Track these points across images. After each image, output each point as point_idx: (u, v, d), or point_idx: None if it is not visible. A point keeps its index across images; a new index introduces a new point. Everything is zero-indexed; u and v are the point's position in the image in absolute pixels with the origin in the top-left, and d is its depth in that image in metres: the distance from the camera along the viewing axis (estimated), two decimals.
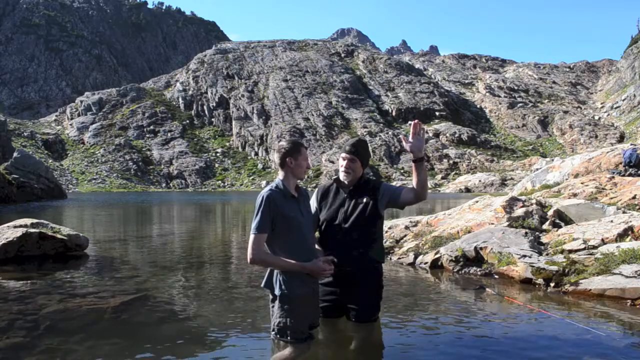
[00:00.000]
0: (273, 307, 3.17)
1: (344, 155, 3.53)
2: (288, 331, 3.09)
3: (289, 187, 3.17)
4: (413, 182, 3.45)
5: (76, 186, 73.44)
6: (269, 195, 3.08)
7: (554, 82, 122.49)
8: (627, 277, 4.71)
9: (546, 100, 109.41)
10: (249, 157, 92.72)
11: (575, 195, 9.72)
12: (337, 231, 3.44)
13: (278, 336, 3.13)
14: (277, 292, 3.09)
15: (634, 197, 8.24)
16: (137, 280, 5.84)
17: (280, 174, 3.22)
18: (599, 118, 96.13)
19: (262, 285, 3.21)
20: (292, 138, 3.25)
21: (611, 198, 8.70)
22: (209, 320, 4.08)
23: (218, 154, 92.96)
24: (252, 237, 3.04)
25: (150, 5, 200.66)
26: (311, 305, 3.21)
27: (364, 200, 3.46)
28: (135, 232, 12.60)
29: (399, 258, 7.27)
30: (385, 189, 3.52)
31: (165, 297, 4.94)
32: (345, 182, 3.55)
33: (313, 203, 3.57)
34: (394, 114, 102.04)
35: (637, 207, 7.84)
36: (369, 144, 3.88)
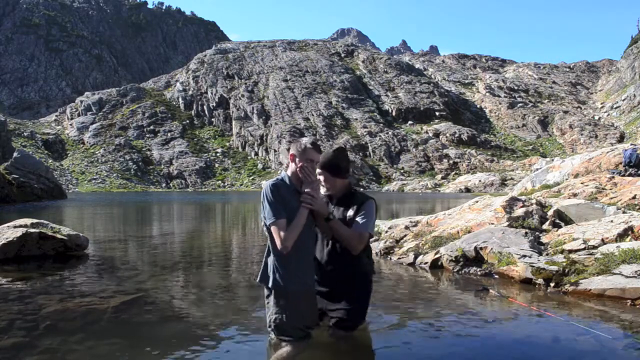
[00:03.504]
0: (268, 302, 3.13)
1: (318, 170, 3.35)
2: (284, 327, 3.04)
3: (293, 181, 3.12)
4: None
5: (76, 186, 73.44)
6: (274, 184, 3.04)
7: (554, 82, 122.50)
8: (627, 277, 4.71)
9: (546, 100, 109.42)
10: (249, 157, 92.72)
11: (575, 195, 9.72)
12: (324, 239, 3.39)
13: (275, 333, 3.10)
14: (271, 284, 3.05)
15: (634, 197, 8.23)
16: (137, 280, 5.84)
17: (289, 168, 3.18)
18: (599, 118, 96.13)
19: (257, 280, 3.17)
20: (305, 137, 3.15)
21: (611, 198, 8.70)
22: (209, 320, 4.08)
23: (218, 154, 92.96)
24: (273, 228, 2.95)
25: (150, 5, 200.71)
26: (307, 302, 3.15)
27: (350, 212, 3.36)
28: (135, 232, 12.60)
29: (399, 258, 7.27)
30: (361, 211, 3.33)
31: (165, 297, 4.94)
32: (330, 193, 3.45)
33: None
34: (394, 114, 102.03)
35: (637, 207, 7.84)
36: (344, 152, 3.70)
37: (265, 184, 3.09)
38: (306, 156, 3.06)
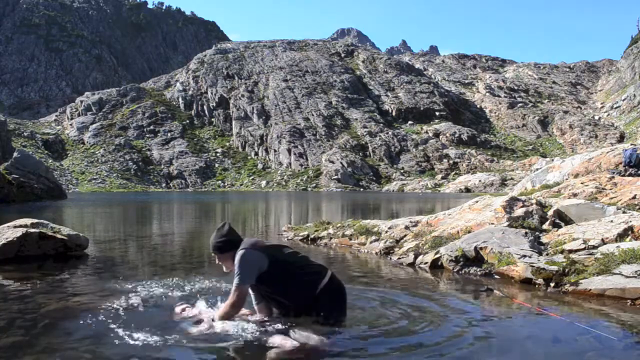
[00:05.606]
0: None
1: (213, 255, 3.88)
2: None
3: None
4: None
5: (76, 186, 73.46)
6: None
7: (554, 82, 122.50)
8: (627, 277, 4.71)
9: (546, 100, 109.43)
10: (249, 157, 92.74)
11: (575, 195, 9.72)
12: (260, 302, 3.83)
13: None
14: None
15: (634, 197, 8.24)
16: (137, 280, 5.84)
17: None
18: (599, 118, 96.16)
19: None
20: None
21: (611, 198, 8.70)
22: None
23: (218, 154, 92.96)
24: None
25: (150, 5, 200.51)
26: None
27: None
28: (135, 232, 12.60)
29: (399, 258, 7.27)
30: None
31: (165, 297, 4.94)
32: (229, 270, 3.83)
33: None
34: (394, 114, 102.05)
35: (637, 207, 7.84)
36: (224, 229, 3.94)
37: None
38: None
